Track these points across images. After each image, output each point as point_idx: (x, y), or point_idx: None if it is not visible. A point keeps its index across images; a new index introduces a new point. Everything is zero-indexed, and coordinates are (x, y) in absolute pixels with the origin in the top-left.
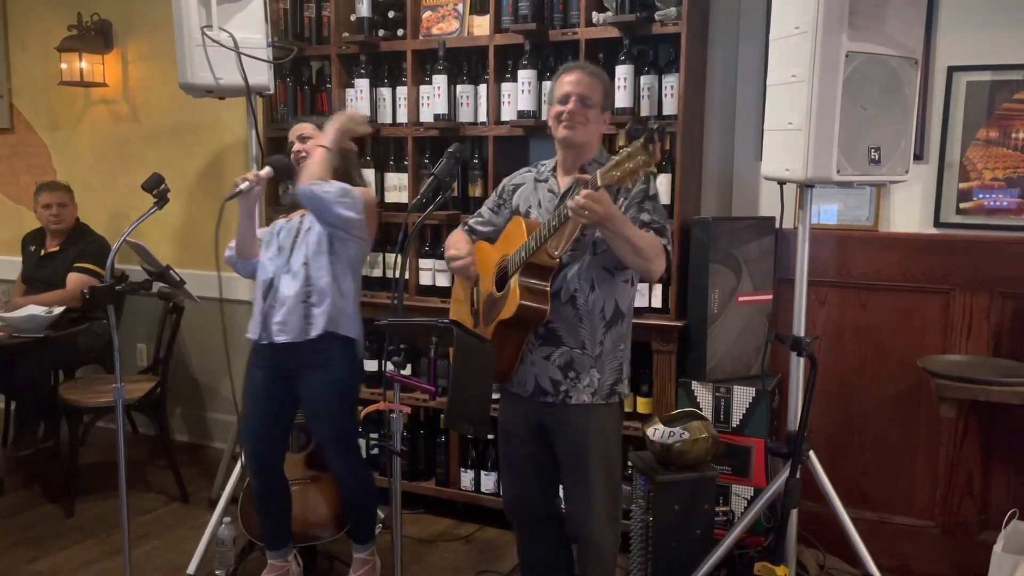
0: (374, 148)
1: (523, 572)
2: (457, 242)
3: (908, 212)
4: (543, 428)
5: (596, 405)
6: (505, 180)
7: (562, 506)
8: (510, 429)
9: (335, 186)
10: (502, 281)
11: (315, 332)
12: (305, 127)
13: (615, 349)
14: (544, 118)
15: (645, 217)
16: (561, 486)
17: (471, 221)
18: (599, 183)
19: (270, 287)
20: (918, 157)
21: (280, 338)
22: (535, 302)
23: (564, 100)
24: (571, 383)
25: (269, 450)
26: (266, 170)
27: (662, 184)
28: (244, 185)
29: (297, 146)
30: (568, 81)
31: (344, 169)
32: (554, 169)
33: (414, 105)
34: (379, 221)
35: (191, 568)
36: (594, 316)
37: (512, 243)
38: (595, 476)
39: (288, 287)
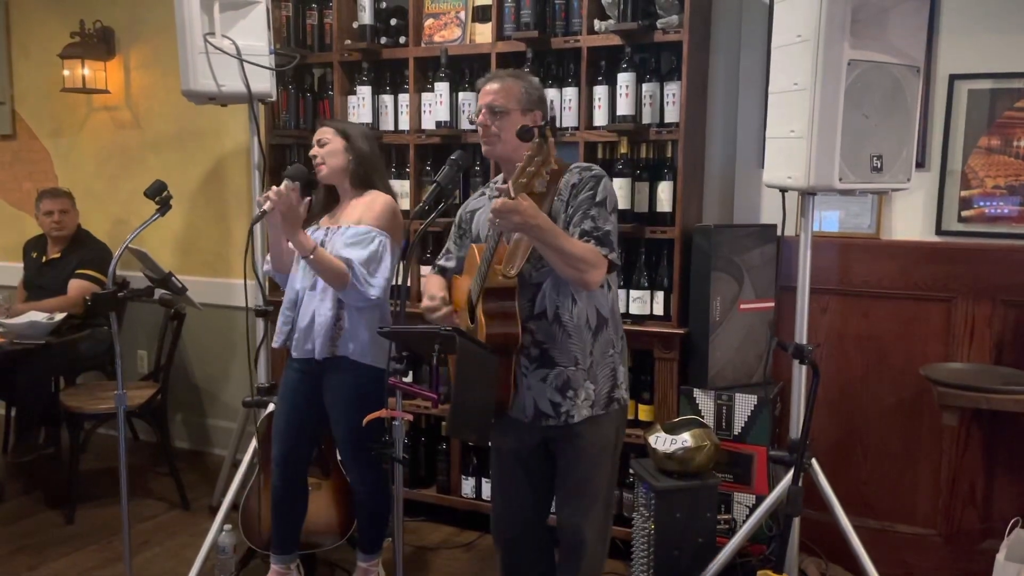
0: None
1: None
2: (432, 288)
3: (910, 220)
4: (544, 442)
5: (597, 416)
6: (461, 209)
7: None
8: (503, 447)
9: (345, 269)
10: (472, 309)
11: (318, 355)
12: (326, 132)
13: (604, 356)
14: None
15: (587, 225)
16: (555, 497)
17: (440, 261)
18: (512, 193)
19: (295, 302)
20: (920, 165)
21: (296, 354)
22: (503, 328)
23: (478, 114)
24: (571, 402)
25: (294, 450)
26: (285, 184)
27: (663, 191)
28: (267, 205)
29: (313, 150)
30: (480, 93)
31: (364, 175)
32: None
33: (416, 112)
34: (405, 228)
35: (192, 575)
36: (581, 329)
37: (473, 272)
38: (590, 485)
39: (308, 306)
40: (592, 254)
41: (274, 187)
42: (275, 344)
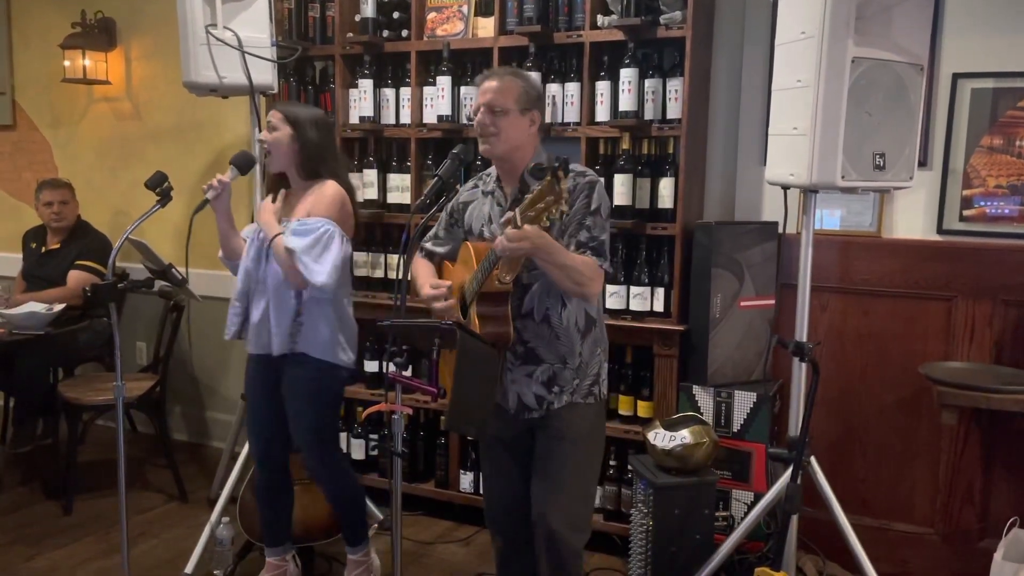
0: (377, 149)
1: None
2: (427, 276)
3: (911, 218)
4: (529, 429)
5: (574, 403)
6: (453, 199)
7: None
8: (494, 434)
9: (301, 246)
10: (465, 308)
11: (276, 351)
12: (275, 116)
13: (593, 355)
14: (547, 120)
15: (583, 236)
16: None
17: (428, 244)
18: (519, 223)
19: (246, 293)
20: (922, 163)
21: (251, 349)
22: (496, 328)
23: (476, 112)
24: (555, 396)
25: (268, 442)
26: (230, 172)
27: (665, 187)
28: (210, 194)
29: (263, 134)
30: (480, 91)
31: (312, 167)
32: (499, 179)
33: (417, 106)
34: (356, 218)
35: (189, 567)
36: (570, 331)
37: (467, 269)
38: (563, 467)
39: (258, 303)
40: (590, 268)
41: (218, 175)
42: (227, 336)
